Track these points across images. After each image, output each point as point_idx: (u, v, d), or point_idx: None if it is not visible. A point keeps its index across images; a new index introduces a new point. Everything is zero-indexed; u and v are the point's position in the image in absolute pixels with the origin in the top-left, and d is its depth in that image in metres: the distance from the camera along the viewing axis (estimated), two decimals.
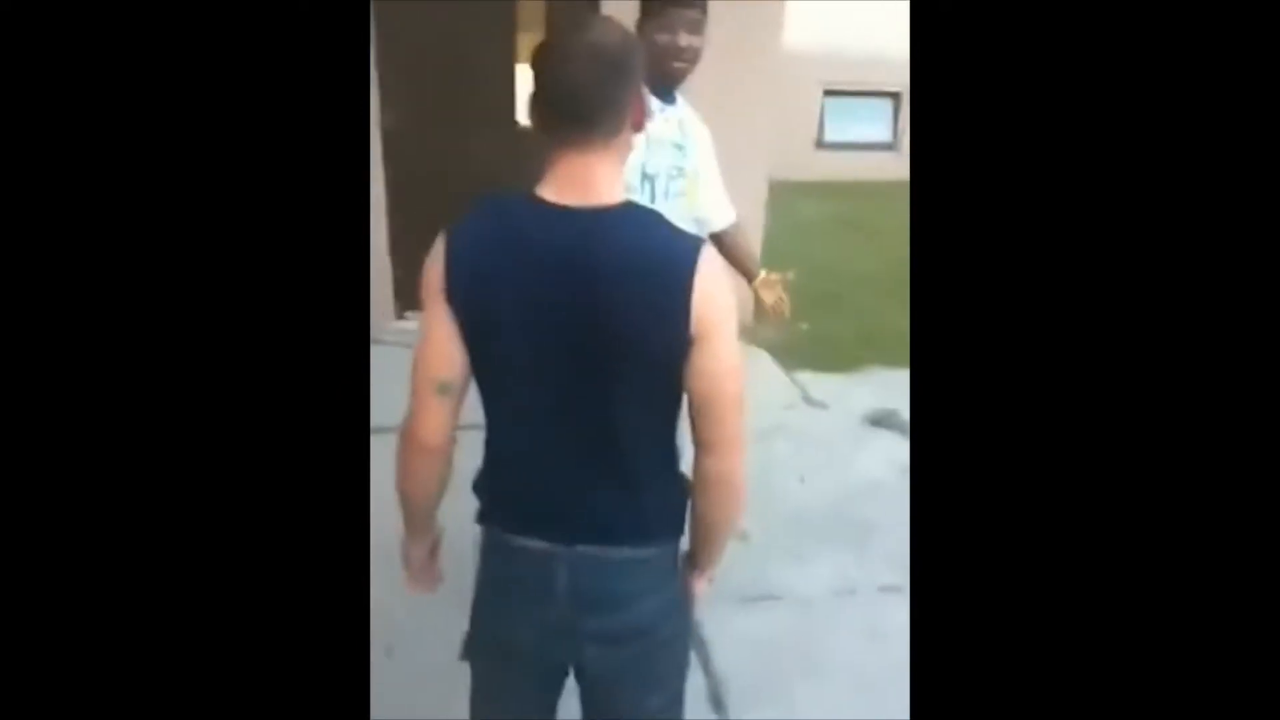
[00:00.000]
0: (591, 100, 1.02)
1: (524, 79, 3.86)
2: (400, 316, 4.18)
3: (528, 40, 3.90)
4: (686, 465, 1.19)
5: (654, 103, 1.81)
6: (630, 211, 1.05)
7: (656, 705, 1.24)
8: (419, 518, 1.23)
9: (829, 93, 7.60)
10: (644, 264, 1.02)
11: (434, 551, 1.29)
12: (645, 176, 1.82)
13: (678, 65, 1.78)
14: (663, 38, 1.74)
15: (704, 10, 1.77)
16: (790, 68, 5.04)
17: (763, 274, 2.16)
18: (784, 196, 5.84)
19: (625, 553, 1.13)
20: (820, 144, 7.76)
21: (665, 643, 1.21)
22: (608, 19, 1.08)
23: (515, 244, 1.03)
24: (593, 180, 1.04)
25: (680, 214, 1.87)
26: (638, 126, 1.08)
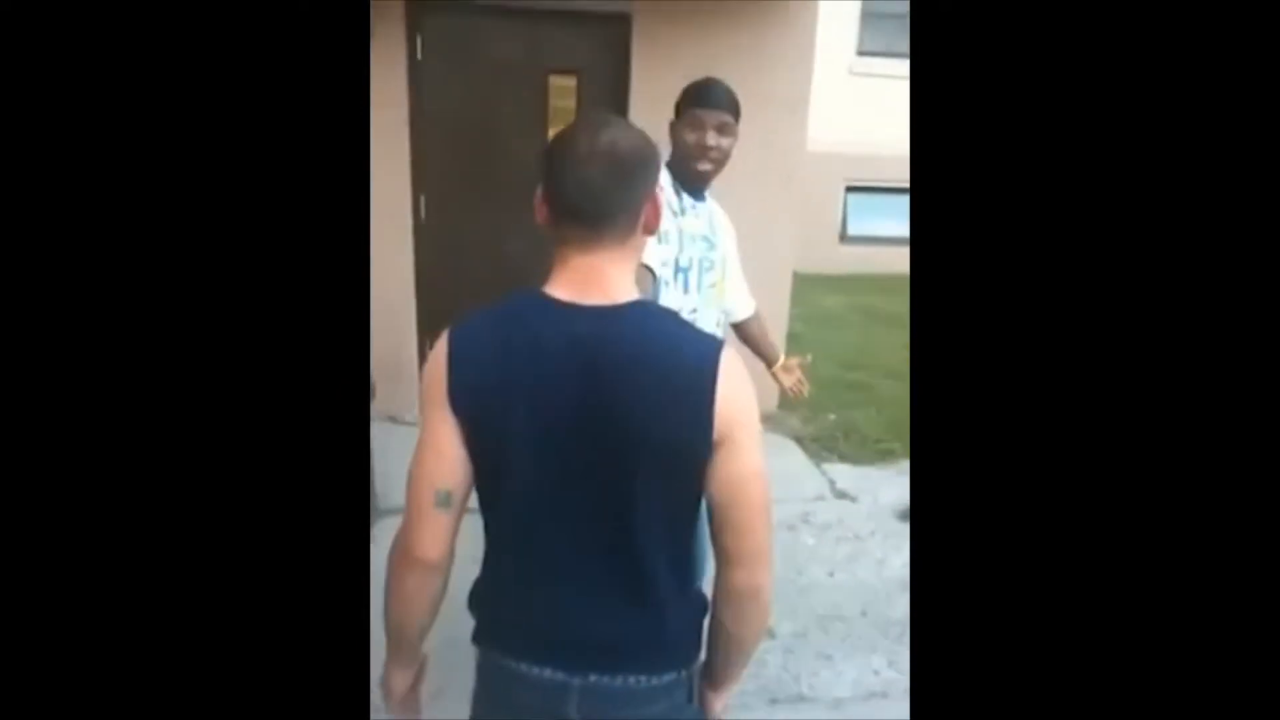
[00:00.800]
0: (608, 202, 0.99)
1: None
2: None
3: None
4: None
5: (686, 199, 1.90)
6: (643, 309, 1.02)
7: None
8: (408, 643, 1.12)
9: (851, 189, 7.74)
10: (663, 363, 0.97)
11: (418, 681, 1.19)
12: (679, 269, 1.87)
13: (707, 165, 1.86)
14: (693, 137, 1.82)
15: (735, 114, 1.85)
16: (814, 166, 5.15)
17: (782, 358, 2.25)
18: (808, 289, 5.90)
19: (641, 681, 1.05)
20: (843, 238, 7.86)
21: None
22: (624, 121, 1.06)
23: (523, 343, 0.98)
24: (604, 280, 1.00)
25: (713, 304, 1.89)
26: (650, 229, 1.05)
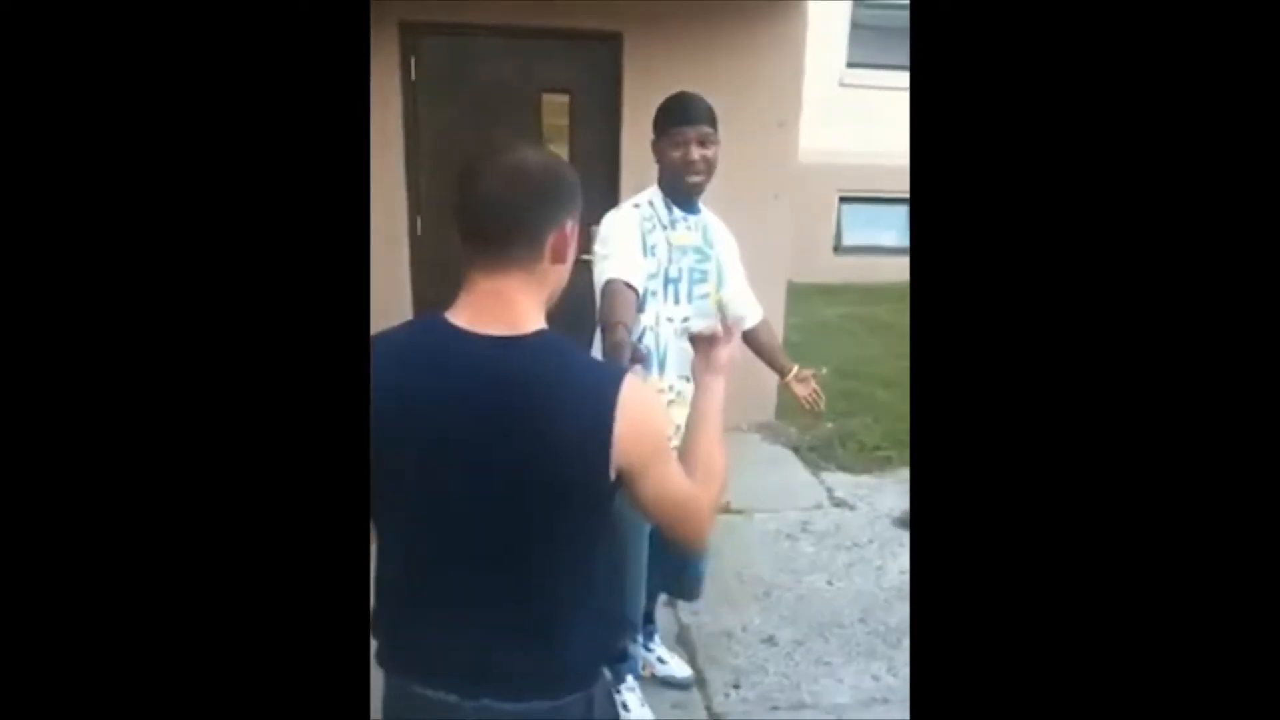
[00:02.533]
0: (510, 222, 0.97)
1: None
2: None
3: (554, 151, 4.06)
4: None
5: (676, 212, 1.93)
6: (546, 340, 1.00)
7: None
8: None
9: (845, 199, 7.78)
10: (558, 396, 0.96)
11: None
12: (669, 280, 1.91)
13: (696, 178, 1.89)
14: (678, 154, 1.86)
15: (714, 123, 1.88)
16: (807, 177, 5.20)
17: (795, 369, 2.22)
18: (804, 299, 5.92)
19: (539, 705, 1.03)
20: (838, 249, 7.90)
21: None
22: (542, 147, 1.05)
23: (419, 369, 0.98)
24: (509, 307, 0.98)
25: (704, 313, 1.92)
26: (558, 258, 1.02)
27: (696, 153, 1.85)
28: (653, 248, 1.87)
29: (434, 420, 0.96)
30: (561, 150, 4.01)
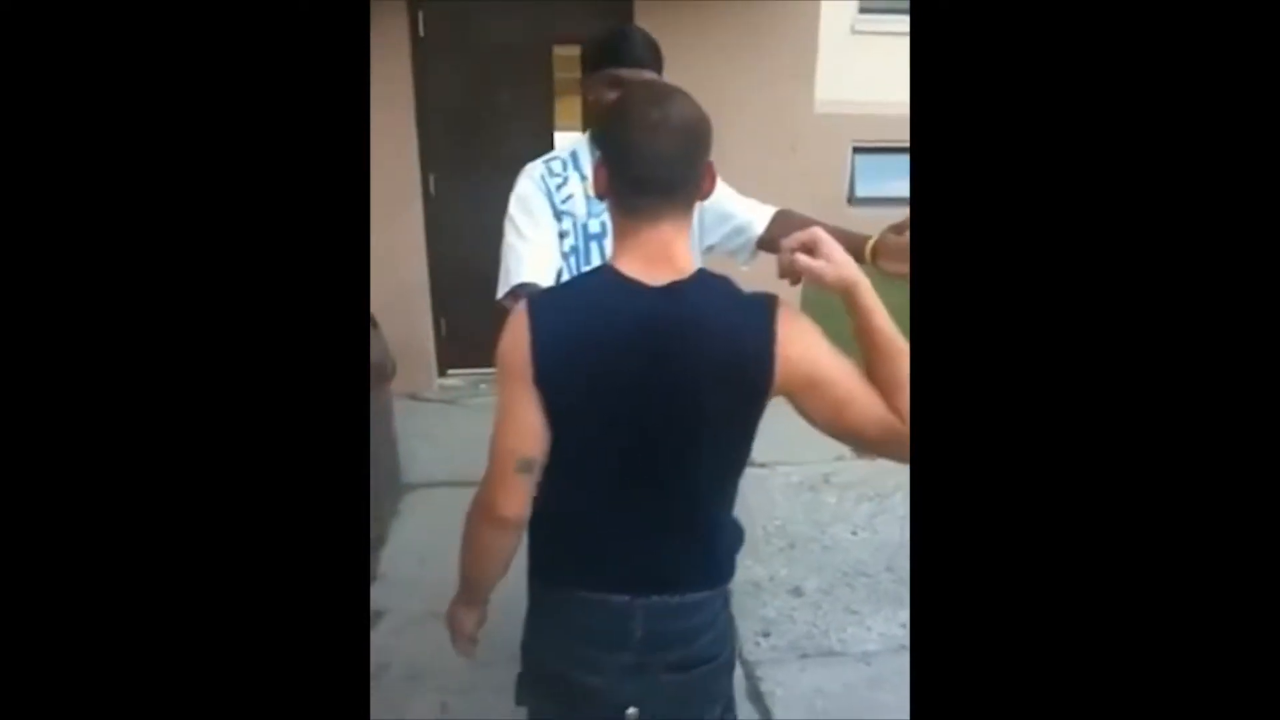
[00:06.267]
0: (678, 172, 1.05)
1: (563, 140, 3.98)
2: (442, 374, 4.23)
3: (565, 106, 4.01)
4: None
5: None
6: (704, 281, 1.08)
7: (715, 716, 1.28)
8: (481, 590, 1.25)
9: (858, 150, 7.68)
10: (724, 329, 1.05)
11: (481, 621, 1.32)
12: (589, 236, 1.69)
13: None
14: (611, 97, 1.52)
15: (659, 67, 1.62)
16: (821, 128, 5.11)
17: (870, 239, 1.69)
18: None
19: (693, 597, 1.18)
20: (852, 200, 7.81)
21: (723, 664, 1.26)
22: (678, 90, 1.08)
23: (603, 321, 1.05)
24: (672, 253, 1.07)
25: None
26: (707, 194, 1.12)
27: None
28: (566, 200, 1.67)
29: (615, 366, 1.05)
30: (575, 102, 3.96)
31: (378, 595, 2.58)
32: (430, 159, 3.93)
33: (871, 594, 2.66)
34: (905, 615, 2.54)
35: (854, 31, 7.13)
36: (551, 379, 1.05)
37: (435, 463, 3.39)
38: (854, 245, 1.63)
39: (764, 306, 1.07)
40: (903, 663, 2.34)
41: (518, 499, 1.11)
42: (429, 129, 3.89)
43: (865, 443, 1.10)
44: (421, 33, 3.78)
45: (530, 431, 1.08)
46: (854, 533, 3.02)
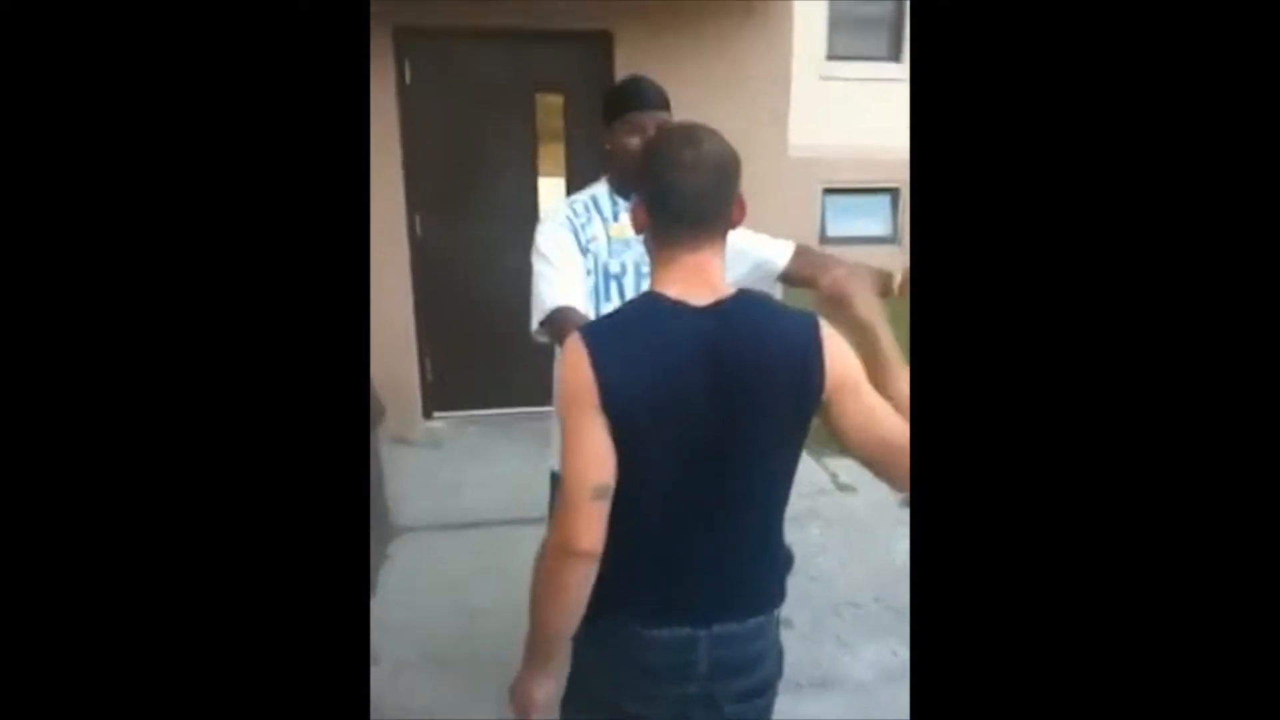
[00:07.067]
0: (714, 206, 1.13)
1: (546, 187, 4.06)
2: (428, 417, 4.24)
3: (547, 152, 4.10)
4: None
5: (621, 203, 1.79)
6: (744, 300, 1.14)
7: None
8: (559, 643, 1.15)
9: (829, 191, 7.86)
10: (771, 344, 1.11)
11: (560, 691, 1.22)
12: (609, 276, 1.79)
13: None
14: (632, 141, 1.70)
15: (668, 108, 1.77)
16: (793, 170, 5.26)
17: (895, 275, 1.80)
18: (795, 291, 5.97)
19: (754, 622, 1.20)
20: (823, 239, 7.96)
21: (778, 684, 1.30)
22: (708, 129, 1.17)
23: (658, 344, 1.10)
24: (709, 275, 1.14)
25: None
26: (738, 222, 1.19)
27: None
28: (590, 241, 1.77)
29: (666, 385, 1.08)
30: (558, 150, 4.05)
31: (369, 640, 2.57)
32: (416, 200, 3.99)
33: (861, 624, 2.70)
34: (895, 644, 2.58)
35: (822, 78, 7.34)
36: (617, 403, 1.06)
37: (424, 506, 3.40)
38: (883, 280, 1.75)
39: (810, 320, 1.14)
40: (896, 691, 2.37)
41: (596, 529, 1.07)
42: (415, 171, 3.95)
43: (892, 451, 1.12)
44: (408, 79, 3.86)
45: (602, 458, 1.07)
46: (841, 564, 3.06)
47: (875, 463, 1.16)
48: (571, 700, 1.27)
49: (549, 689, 1.18)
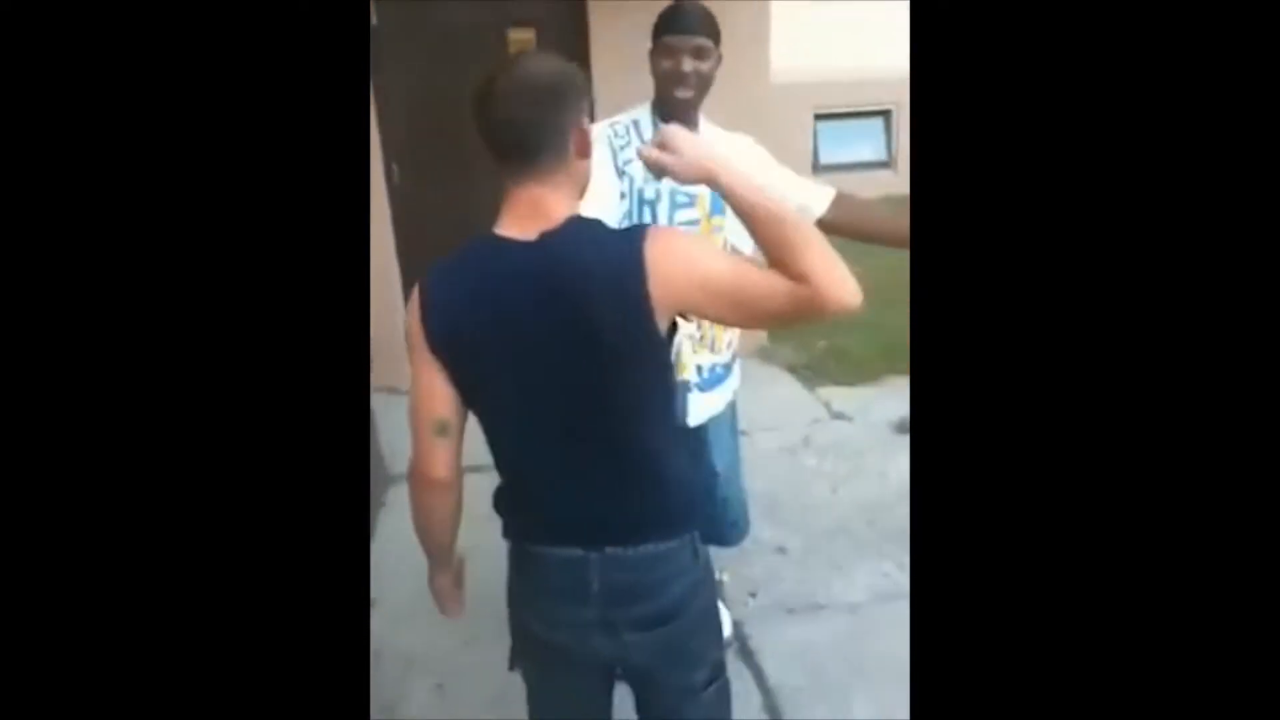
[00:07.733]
0: (533, 134, 1.07)
1: None
2: None
3: None
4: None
5: (662, 127, 1.77)
6: (574, 225, 1.09)
7: (703, 679, 1.29)
8: (439, 551, 1.31)
9: (820, 116, 7.71)
10: (595, 267, 1.05)
11: (458, 579, 1.37)
12: (643, 201, 1.80)
13: (686, 92, 1.75)
14: (667, 64, 1.73)
15: (713, 36, 1.76)
16: (781, 96, 5.14)
17: None
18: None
19: (650, 548, 1.18)
20: (817, 167, 7.84)
21: (697, 621, 1.26)
22: (544, 54, 1.13)
23: (484, 283, 1.09)
24: (543, 210, 1.09)
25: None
26: (583, 153, 1.12)
27: (689, 64, 1.72)
28: (626, 164, 1.77)
29: (506, 323, 1.08)
30: None
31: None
32: (392, 147, 3.91)
33: (854, 548, 2.72)
34: (888, 566, 2.61)
35: None
36: (443, 339, 1.10)
37: None
38: (899, 237, 1.80)
39: (632, 235, 1.08)
40: (888, 611, 2.40)
41: (442, 460, 1.16)
42: (389, 118, 3.87)
43: (783, 318, 1.07)
44: (375, 22, 3.75)
45: (436, 394, 1.13)
46: (834, 490, 3.08)
47: (781, 326, 1.14)
48: (513, 635, 1.32)
49: (446, 580, 1.35)
